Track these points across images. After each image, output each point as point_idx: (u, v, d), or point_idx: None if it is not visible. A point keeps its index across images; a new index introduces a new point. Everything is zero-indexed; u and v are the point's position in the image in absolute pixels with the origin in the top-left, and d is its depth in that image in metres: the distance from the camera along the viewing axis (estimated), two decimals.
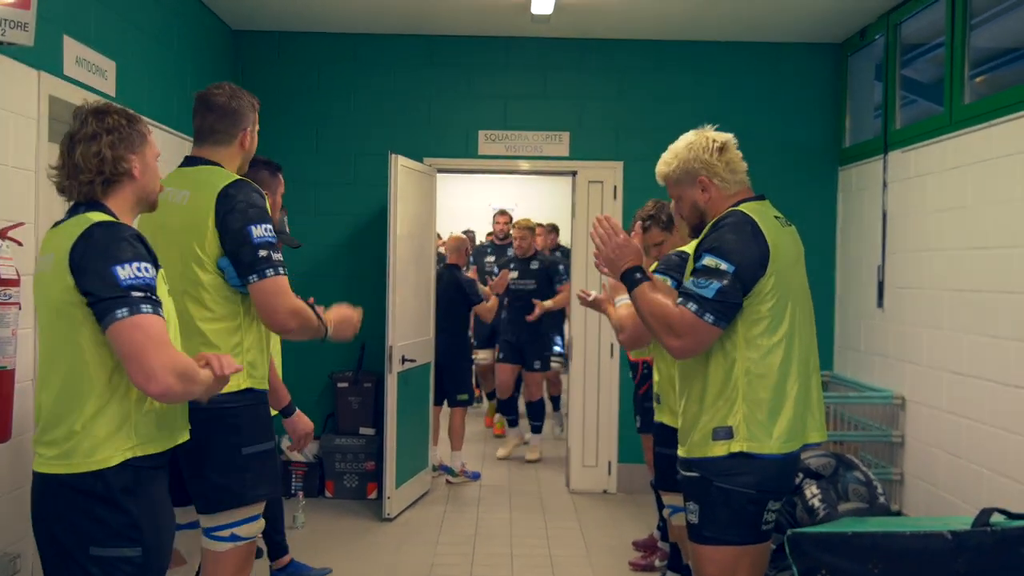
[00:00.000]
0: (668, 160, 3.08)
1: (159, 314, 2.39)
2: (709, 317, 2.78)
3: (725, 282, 2.77)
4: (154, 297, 2.40)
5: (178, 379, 2.36)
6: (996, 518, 2.61)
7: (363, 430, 6.78)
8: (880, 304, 6.17)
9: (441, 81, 7.10)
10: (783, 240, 2.91)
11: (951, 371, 5.25)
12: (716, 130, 3.11)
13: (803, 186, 7.01)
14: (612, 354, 6.98)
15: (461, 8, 6.35)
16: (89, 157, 2.51)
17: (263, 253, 2.99)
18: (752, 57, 7.05)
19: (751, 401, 2.83)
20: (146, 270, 2.41)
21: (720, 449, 2.85)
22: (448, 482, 7.21)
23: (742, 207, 2.94)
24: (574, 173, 7.05)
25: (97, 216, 2.48)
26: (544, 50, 7.06)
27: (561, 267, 8.20)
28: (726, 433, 2.84)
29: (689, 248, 3.40)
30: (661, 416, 3.95)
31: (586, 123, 7.10)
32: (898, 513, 5.76)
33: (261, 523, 3.22)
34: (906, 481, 5.81)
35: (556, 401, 9.25)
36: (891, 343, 6.04)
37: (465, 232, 10.13)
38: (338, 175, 7.05)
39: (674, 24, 6.67)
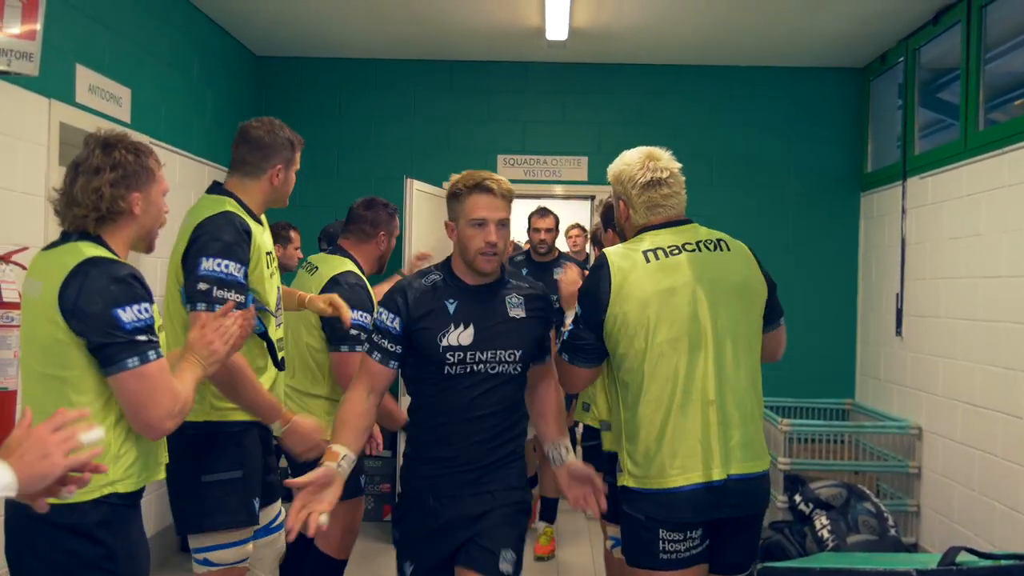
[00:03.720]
0: (611, 167, 3.04)
1: (161, 356, 2.39)
2: (564, 355, 2.97)
3: (577, 324, 2.91)
4: (154, 339, 2.39)
5: (175, 420, 2.40)
6: (963, 557, 2.57)
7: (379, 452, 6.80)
8: (899, 332, 6.09)
9: (460, 106, 7.16)
10: (647, 274, 2.79)
11: (965, 402, 5.16)
12: (672, 156, 2.99)
13: (826, 211, 6.97)
14: None
15: (478, 34, 6.41)
16: (88, 192, 2.45)
17: (203, 287, 2.95)
18: (773, 81, 7.02)
19: (627, 437, 2.87)
20: (146, 310, 2.38)
21: (620, 479, 2.92)
22: None
23: (627, 242, 2.94)
24: (592, 197, 7.06)
25: (90, 249, 2.42)
26: (562, 75, 7.10)
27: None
28: (619, 467, 2.92)
29: None
30: (607, 444, 3.88)
31: (605, 147, 7.11)
32: (913, 546, 5.66)
33: (241, 551, 3.19)
34: (923, 513, 5.71)
35: None
36: (909, 372, 5.96)
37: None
38: (358, 198, 7.11)
39: (693, 49, 6.67)
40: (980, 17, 5.16)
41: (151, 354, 2.35)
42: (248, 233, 3.08)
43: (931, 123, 6.18)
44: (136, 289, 2.38)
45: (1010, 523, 4.65)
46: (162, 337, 2.55)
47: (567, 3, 5.54)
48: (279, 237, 5.50)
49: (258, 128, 3.27)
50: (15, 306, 3.57)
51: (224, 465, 3.14)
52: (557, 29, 6.03)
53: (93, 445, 1.93)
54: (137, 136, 2.76)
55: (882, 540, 4.82)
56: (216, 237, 3.00)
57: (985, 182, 4.98)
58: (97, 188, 2.45)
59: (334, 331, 3.80)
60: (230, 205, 3.14)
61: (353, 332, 3.76)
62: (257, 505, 3.25)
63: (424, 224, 6.41)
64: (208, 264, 2.96)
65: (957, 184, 5.32)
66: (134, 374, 2.32)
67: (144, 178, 2.54)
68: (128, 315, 2.33)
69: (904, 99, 6.18)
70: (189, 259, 3.01)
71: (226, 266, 2.98)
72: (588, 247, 7.86)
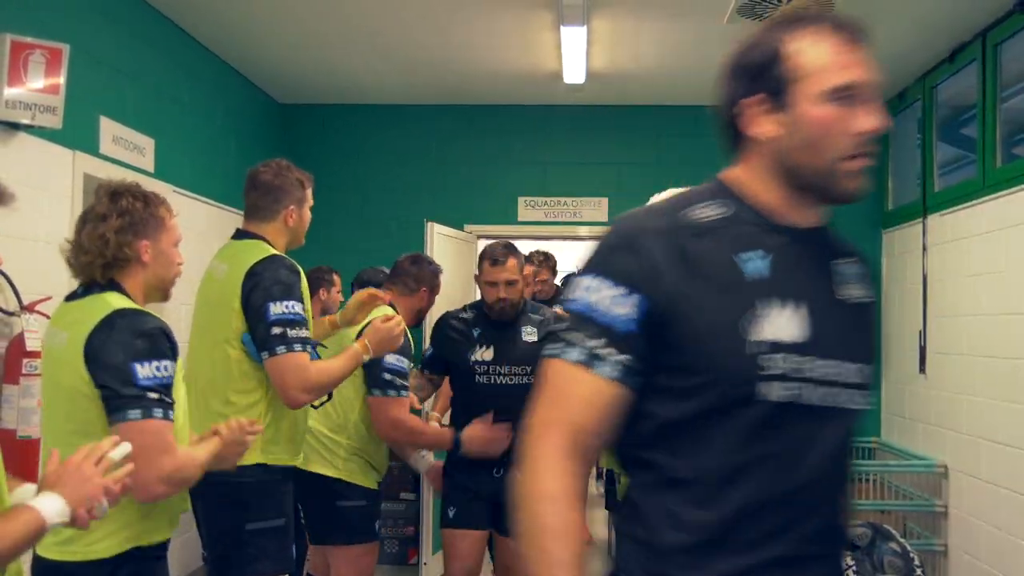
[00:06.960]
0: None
1: (168, 418, 2.33)
2: None
3: None
4: (167, 399, 2.34)
5: (169, 485, 2.34)
6: None
7: (403, 495, 6.80)
8: (922, 370, 6.04)
9: (481, 149, 7.24)
10: None
11: (989, 439, 5.11)
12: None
13: None
14: None
15: (497, 78, 6.51)
16: (93, 239, 2.43)
17: (277, 331, 3.01)
18: None
19: None
20: (165, 368, 2.34)
21: None
22: None
23: None
24: None
25: (117, 301, 2.40)
26: (581, 117, 7.17)
27: None
28: None
29: None
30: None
31: (624, 188, 7.15)
32: None
33: None
34: (950, 553, 5.63)
35: None
36: (933, 410, 5.90)
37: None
38: (381, 242, 7.19)
39: (710, 89, 6.64)
40: (995, 55, 5.17)
41: (156, 411, 2.29)
42: (298, 273, 3.16)
43: (953, 159, 6.16)
44: (161, 345, 2.35)
45: None
46: (181, 391, 2.52)
47: (583, 47, 5.61)
48: (322, 281, 5.55)
49: (266, 172, 3.30)
50: (39, 355, 3.63)
51: (269, 513, 3.16)
52: (574, 73, 6.11)
53: (124, 459, 1.97)
54: (160, 185, 2.79)
55: None
56: (276, 280, 3.07)
57: (1004, 218, 4.96)
58: (102, 235, 2.43)
59: (369, 373, 3.75)
60: (272, 248, 3.23)
61: (387, 377, 3.74)
62: (294, 550, 3.28)
63: (445, 266, 6.42)
64: (277, 308, 3.04)
65: (977, 221, 5.30)
66: (134, 427, 2.25)
67: (153, 226, 2.50)
68: (145, 371, 2.29)
69: (922, 136, 6.18)
70: (253, 306, 3.06)
71: (292, 306, 3.07)
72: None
